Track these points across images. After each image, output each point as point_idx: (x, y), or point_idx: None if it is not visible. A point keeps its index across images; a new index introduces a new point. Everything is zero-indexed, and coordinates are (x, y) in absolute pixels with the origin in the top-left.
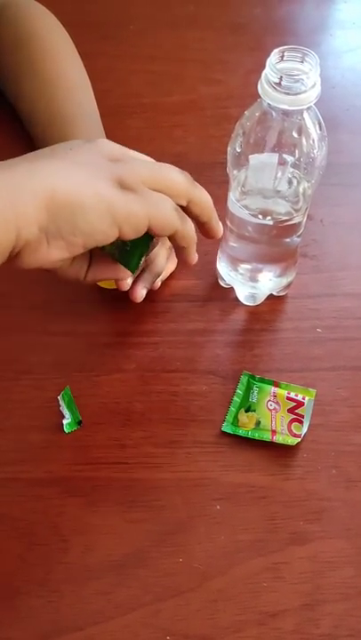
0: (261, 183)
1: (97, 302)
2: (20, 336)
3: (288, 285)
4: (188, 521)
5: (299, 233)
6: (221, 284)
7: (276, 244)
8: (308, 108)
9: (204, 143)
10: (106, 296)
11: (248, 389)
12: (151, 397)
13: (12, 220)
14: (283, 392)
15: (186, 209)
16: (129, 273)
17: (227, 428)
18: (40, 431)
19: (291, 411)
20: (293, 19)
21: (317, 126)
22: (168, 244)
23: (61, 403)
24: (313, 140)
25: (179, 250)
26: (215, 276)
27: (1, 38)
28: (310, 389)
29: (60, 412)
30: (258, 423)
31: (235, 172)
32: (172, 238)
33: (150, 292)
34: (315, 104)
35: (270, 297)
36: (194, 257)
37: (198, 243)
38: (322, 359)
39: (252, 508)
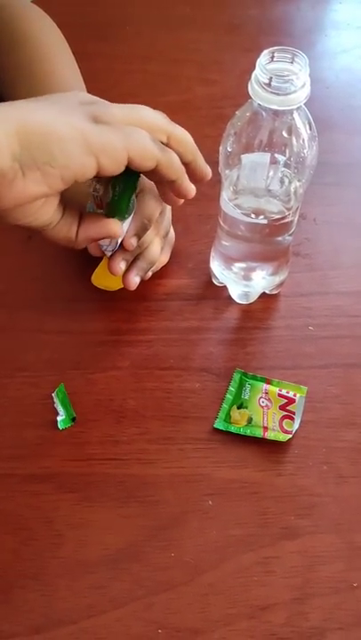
0: (253, 182)
1: (92, 301)
2: (15, 334)
3: (281, 284)
4: (181, 516)
5: (291, 232)
6: (215, 282)
7: (268, 242)
8: (299, 108)
9: (199, 143)
10: (100, 295)
11: (240, 386)
12: (145, 394)
13: None
14: (274, 389)
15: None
16: (120, 227)
17: (219, 424)
18: (35, 428)
19: (282, 407)
20: (289, 19)
21: (308, 126)
22: (162, 233)
23: (56, 400)
24: (303, 140)
25: (171, 188)
26: (208, 274)
27: None
28: (302, 386)
29: (55, 408)
30: (250, 420)
31: (227, 171)
32: (157, 173)
33: (144, 291)
34: (307, 104)
35: (263, 295)
36: (189, 187)
37: (191, 241)
38: (313, 357)
39: (244, 503)
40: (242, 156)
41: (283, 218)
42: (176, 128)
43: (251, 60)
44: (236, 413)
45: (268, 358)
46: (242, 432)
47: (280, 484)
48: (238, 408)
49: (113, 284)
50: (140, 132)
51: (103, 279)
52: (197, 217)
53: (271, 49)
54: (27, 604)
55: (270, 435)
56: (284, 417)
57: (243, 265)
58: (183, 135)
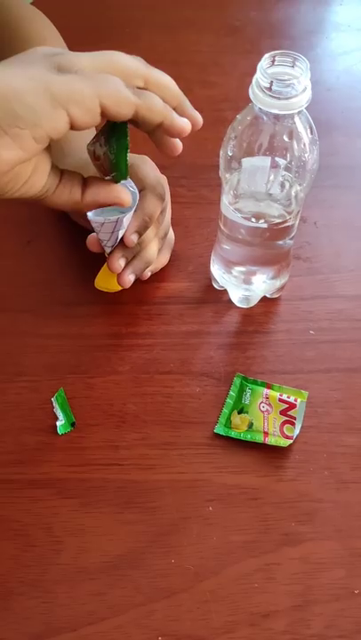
0: (254, 186)
1: (91, 305)
2: (14, 338)
3: (282, 288)
4: (181, 522)
5: (291, 235)
6: (215, 286)
7: (269, 246)
8: (300, 112)
9: (198, 146)
10: (100, 298)
11: (241, 391)
12: (145, 399)
13: None
14: (275, 394)
15: None
16: (129, 197)
17: (219, 429)
18: (34, 433)
19: (283, 412)
20: (289, 21)
21: (309, 130)
22: (161, 233)
23: (55, 404)
24: (304, 144)
25: (164, 132)
26: (209, 278)
27: None
28: (303, 391)
29: (54, 413)
30: (250, 425)
31: (227, 175)
32: (141, 120)
33: (144, 295)
34: (307, 107)
35: (264, 299)
36: (181, 123)
37: (191, 244)
38: (315, 361)
39: (245, 509)
40: (242, 159)
41: (283, 222)
42: (153, 71)
43: (251, 63)
44: (236, 418)
45: (268, 363)
46: (242, 437)
47: (281, 490)
48: (239, 413)
49: (114, 286)
50: (111, 78)
51: (104, 281)
52: (197, 220)
53: (272, 53)
54: (26, 611)
55: (271, 440)
56: (284, 422)
57: (243, 269)
58: (162, 77)
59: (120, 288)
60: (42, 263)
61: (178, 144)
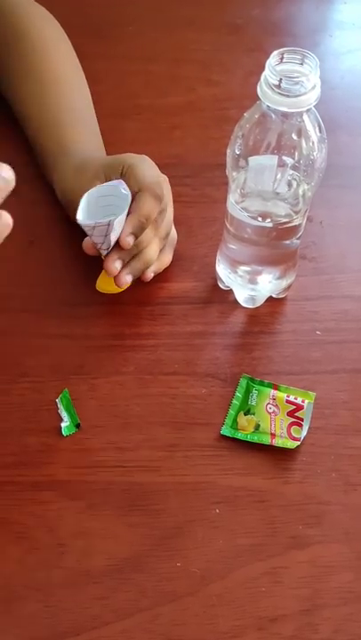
0: (261, 185)
1: (94, 305)
2: (17, 339)
3: (288, 287)
4: (187, 525)
5: (298, 235)
6: (220, 286)
7: (275, 246)
8: (308, 111)
9: (202, 145)
10: (103, 299)
11: (247, 392)
12: (150, 400)
13: None
14: (282, 395)
15: None
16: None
17: (226, 431)
18: (38, 434)
19: (290, 414)
20: (292, 19)
21: (317, 128)
22: (162, 233)
23: (60, 406)
24: (313, 143)
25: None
26: (214, 278)
27: None
28: (310, 392)
29: (59, 414)
30: (257, 426)
31: (234, 174)
32: None
33: (148, 295)
34: (314, 106)
35: (270, 299)
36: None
37: (195, 244)
38: (321, 362)
39: (251, 511)
40: (249, 158)
41: (290, 221)
42: None
43: (254, 61)
44: (243, 420)
45: (274, 363)
46: (249, 439)
47: (288, 492)
48: (245, 414)
49: (115, 288)
50: None
51: (105, 283)
52: (202, 219)
53: (281, 50)
54: (29, 615)
55: (278, 442)
56: (292, 423)
57: (249, 268)
58: None
59: (121, 289)
60: (45, 264)
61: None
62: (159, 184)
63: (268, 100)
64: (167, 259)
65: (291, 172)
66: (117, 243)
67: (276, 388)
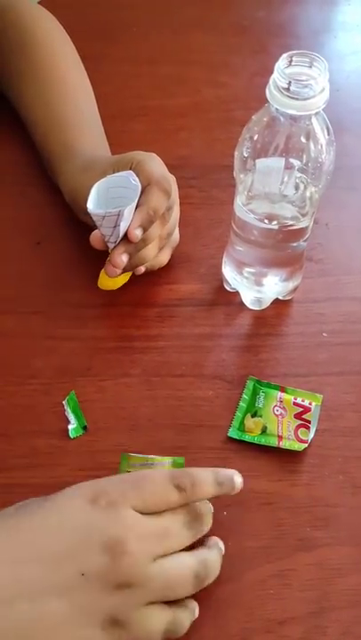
0: (268, 187)
1: (102, 307)
2: (25, 341)
3: (294, 289)
4: None
5: (305, 237)
6: (227, 288)
7: (282, 248)
8: (317, 113)
9: (208, 146)
10: (111, 300)
11: (254, 394)
12: (157, 402)
13: None
14: (289, 397)
15: None
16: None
17: (233, 433)
18: (45, 436)
19: (297, 416)
20: (297, 21)
21: (325, 131)
22: (165, 233)
23: (67, 408)
24: (321, 145)
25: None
26: (221, 280)
27: (2, 41)
28: (317, 394)
29: (66, 417)
30: (264, 429)
31: (241, 176)
32: None
33: (155, 296)
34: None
35: (276, 301)
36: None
37: (202, 246)
38: (328, 364)
39: (259, 514)
40: (256, 160)
41: (297, 224)
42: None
43: (259, 63)
44: (250, 422)
45: (281, 365)
46: (256, 441)
47: (295, 495)
48: (252, 416)
49: (116, 282)
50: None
51: (106, 279)
52: (208, 221)
53: (290, 53)
54: None
55: (285, 444)
56: (299, 426)
57: (255, 270)
58: None
59: (122, 282)
60: (52, 265)
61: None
62: (168, 180)
63: (276, 102)
64: (165, 257)
65: (298, 174)
66: (124, 237)
67: (283, 390)
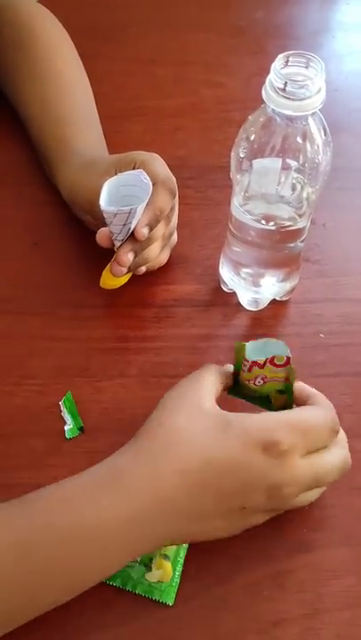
0: (265, 188)
1: (99, 307)
2: (21, 341)
3: (291, 290)
4: None
5: (302, 238)
6: (224, 288)
7: (279, 248)
8: (313, 114)
9: (206, 147)
10: (108, 301)
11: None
12: (154, 403)
13: None
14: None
15: None
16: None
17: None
18: (42, 437)
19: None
20: (295, 21)
21: (322, 132)
22: (167, 232)
23: (63, 408)
24: (318, 146)
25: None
26: (217, 280)
27: (0, 38)
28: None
29: (62, 417)
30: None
31: (238, 176)
32: None
33: (152, 297)
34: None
35: (273, 302)
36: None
37: (199, 246)
38: (325, 365)
39: None
40: (253, 161)
41: (294, 224)
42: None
43: (257, 63)
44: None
45: None
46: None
47: None
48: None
49: (118, 280)
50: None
51: (110, 278)
52: (205, 222)
53: (286, 53)
54: (35, 618)
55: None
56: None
57: (252, 271)
58: None
59: (124, 282)
60: (49, 265)
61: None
62: (173, 180)
63: (273, 103)
64: (164, 257)
65: (295, 175)
66: (131, 235)
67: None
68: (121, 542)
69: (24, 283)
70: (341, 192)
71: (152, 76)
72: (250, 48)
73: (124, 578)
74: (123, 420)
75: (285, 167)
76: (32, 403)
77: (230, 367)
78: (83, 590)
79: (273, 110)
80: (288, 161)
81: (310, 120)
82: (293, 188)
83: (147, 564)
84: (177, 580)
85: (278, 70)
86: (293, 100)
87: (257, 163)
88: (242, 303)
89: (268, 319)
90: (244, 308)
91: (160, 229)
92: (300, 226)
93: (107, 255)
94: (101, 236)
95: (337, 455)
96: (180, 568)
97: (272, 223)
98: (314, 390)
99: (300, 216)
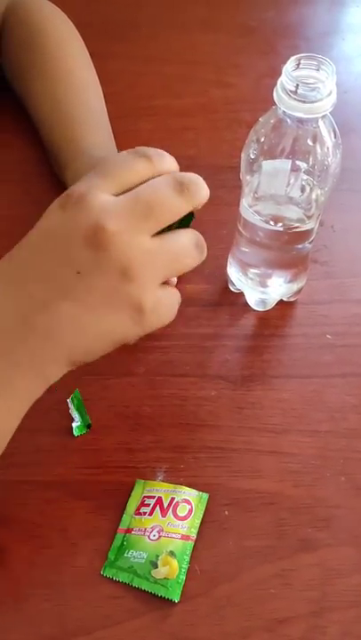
0: (274, 189)
1: None
2: None
3: (299, 291)
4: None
5: (310, 239)
6: (232, 288)
7: (287, 250)
8: (324, 116)
9: (215, 147)
10: None
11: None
12: (160, 402)
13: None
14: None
15: None
16: None
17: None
18: (49, 434)
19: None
20: (305, 22)
21: (332, 134)
22: None
23: (71, 406)
24: (328, 148)
25: None
26: (225, 280)
27: (12, 37)
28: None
29: (70, 415)
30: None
31: (248, 177)
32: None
33: None
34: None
35: (280, 302)
36: None
37: (208, 247)
38: (331, 365)
39: (261, 514)
40: (263, 162)
41: (302, 226)
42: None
43: (267, 64)
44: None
45: (284, 366)
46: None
47: (297, 495)
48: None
49: None
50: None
51: None
52: (214, 222)
53: (298, 56)
54: (40, 613)
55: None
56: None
57: (260, 271)
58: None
59: None
60: None
61: None
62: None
63: (284, 105)
64: None
65: (304, 176)
66: None
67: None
68: None
69: None
70: (350, 194)
71: (162, 75)
72: (260, 48)
73: (131, 574)
74: (130, 417)
75: (295, 169)
76: (40, 399)
77: None
78: None
79: (284, 112)
80: (298, 162)
81: (321, 122)
82: (303, 190)
83: (153, 561)
84: (183, 577)
85: (290, 72)
86: (305, 102)
87: (267, 164)
88: (249, 303)
89: (275, 319)
90: (252, 309)
91: None
92: (308, 227)
93: None
94: None
95: (187, 233)
96: (186, 565)
97: (281, 224)
98: None
99: (308, 217)
